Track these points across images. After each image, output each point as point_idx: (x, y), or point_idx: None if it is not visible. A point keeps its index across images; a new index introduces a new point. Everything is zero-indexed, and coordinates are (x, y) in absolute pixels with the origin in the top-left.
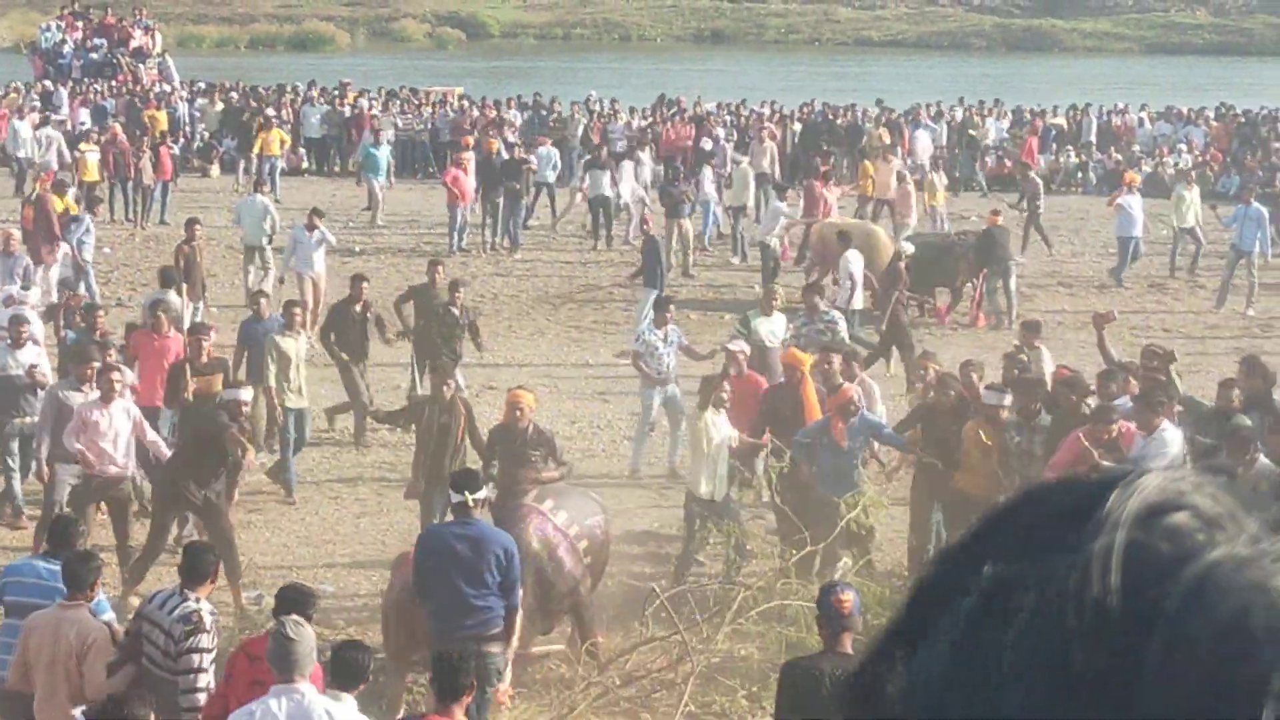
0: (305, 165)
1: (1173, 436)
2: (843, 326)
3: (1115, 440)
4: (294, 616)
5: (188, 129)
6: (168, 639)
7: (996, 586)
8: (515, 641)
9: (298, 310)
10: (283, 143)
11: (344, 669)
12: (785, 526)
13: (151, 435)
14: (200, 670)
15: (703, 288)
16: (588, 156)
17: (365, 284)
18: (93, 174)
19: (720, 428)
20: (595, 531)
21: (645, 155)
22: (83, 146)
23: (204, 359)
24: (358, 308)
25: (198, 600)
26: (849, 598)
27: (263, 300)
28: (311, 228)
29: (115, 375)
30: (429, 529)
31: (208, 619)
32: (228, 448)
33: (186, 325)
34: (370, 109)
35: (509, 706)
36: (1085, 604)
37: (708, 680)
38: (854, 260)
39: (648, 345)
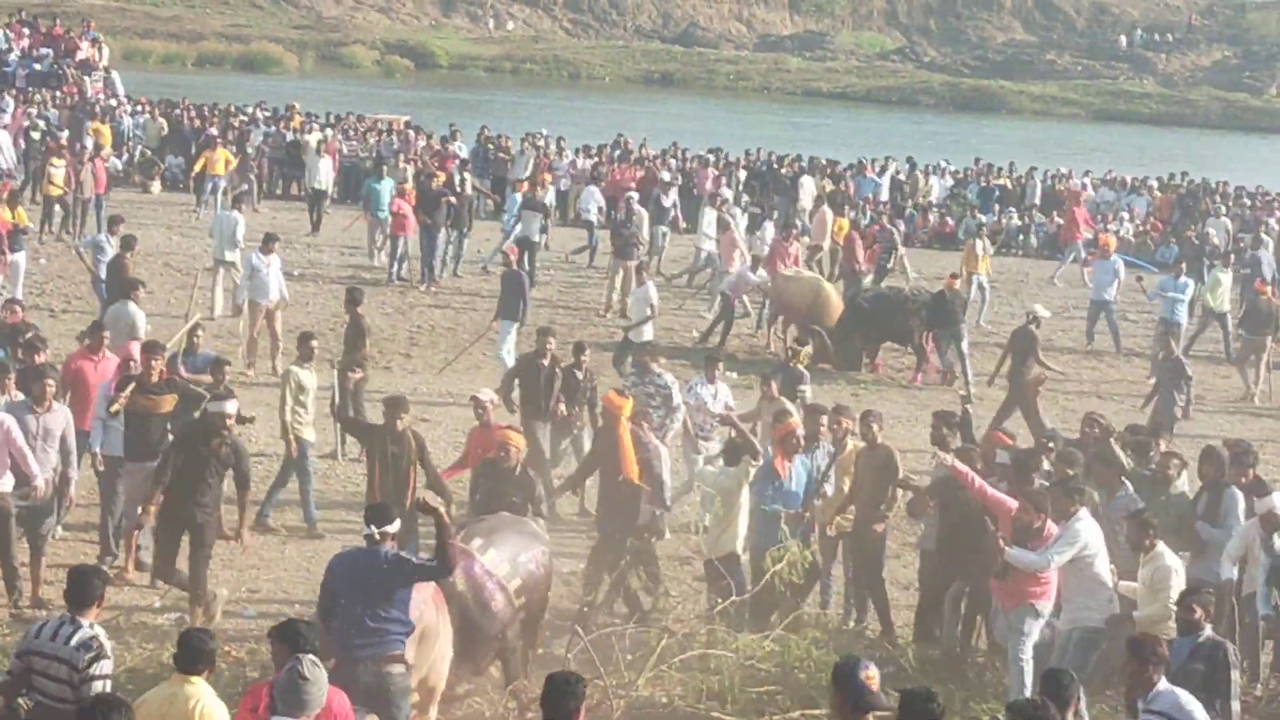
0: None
1: (1085, 528)
2: (676, 392)
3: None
4: (311, 656)
5: (130, 144)
6: (70, 669)
7: None
8: (432, 674)
9: (315, 342)
10: (228, 163)
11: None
12: (712, 573)
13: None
14: None
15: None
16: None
17: (552, 339)
18: (59, 188)
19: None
20: (530, 567)
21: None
22: (55, 161)
23: (154, 378)
24: (545, 361)
25: (91, 625)
26: (874, 674)
27: (198, 334)
28: (267, 253)
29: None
30: (337, 555)
31: (106, 644)
32: (230, 464)
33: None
34: (331, 138)
35: None
36: None
37: None
38: (652, 292)
39: (698, 399)
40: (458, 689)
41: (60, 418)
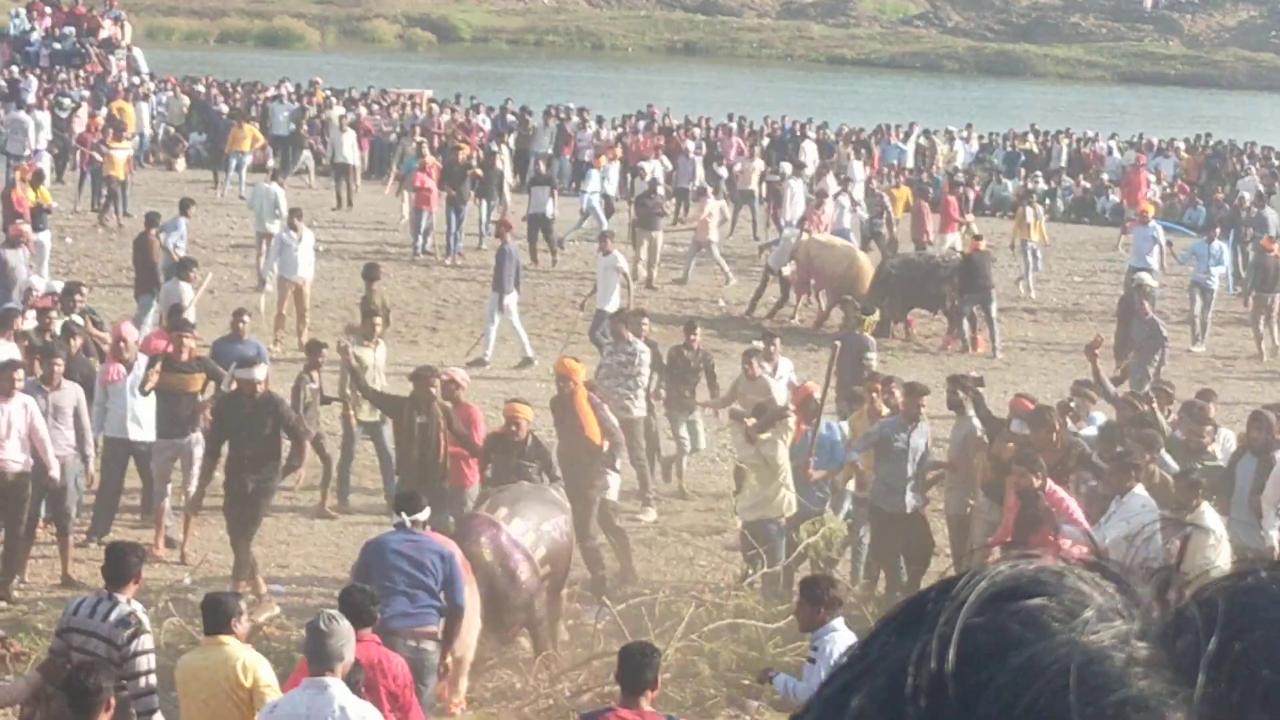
0: (272, 163)
1: (1140, 502)
2: (647, 357)
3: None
4: (330, 610)
5: (155, 122)
6: (109, 646)
7: (862, 662)
8: (459, 644)
9: (377, 320)
10: (254, 140)
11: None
12: (745, 541)
13: (42, 432)
14: (149, 672)
15: (666, 300)
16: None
17: (697, 330)
18: (120, 171)
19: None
20: (554, 536)
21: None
22: (112, 144)
23: (185, 357)
24: (688, 353)
25: (129, 602)
26: None
27: (245, 320)
28: (294, 229)
29: (15, 372)
30: (372, 539)
31: (145, 620)
32: (295, 434)
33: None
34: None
35: (458, 717)
36: (922, 680)
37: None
38: (620, 261)
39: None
40: (487, 661)
41: (71, 396)
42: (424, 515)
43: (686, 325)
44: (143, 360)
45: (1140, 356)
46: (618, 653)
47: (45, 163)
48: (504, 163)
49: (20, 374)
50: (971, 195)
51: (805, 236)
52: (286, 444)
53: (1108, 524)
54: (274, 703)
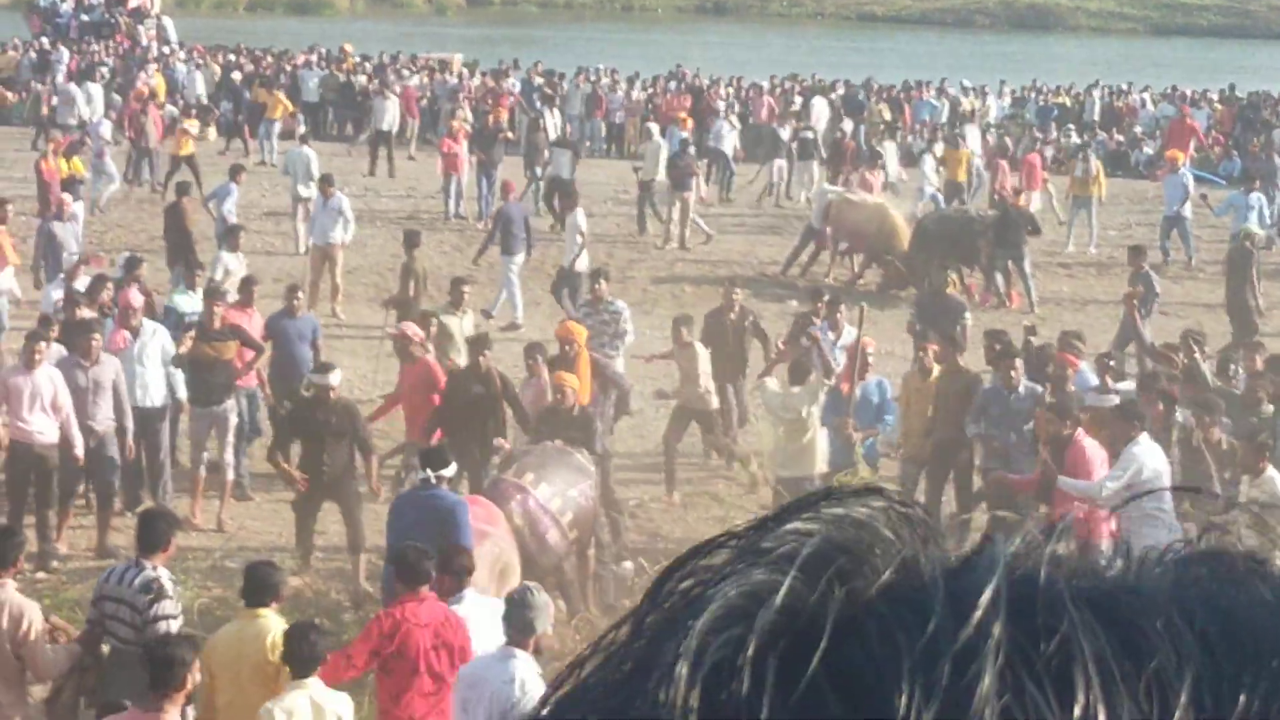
0: (302, 130)
1: (1142, 453)
2: (628, 314)
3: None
4: (531, 584)
5: (184, 90)
6: (133, 612)
7: None
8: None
9: (466, 288)
10: (283, 108)
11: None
12: (778, 496)
13: (67, 406)
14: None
15: (697, 262)
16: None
17: (737, 291)
18: (189, 148)
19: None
20: (580, 501)
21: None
22: (186, 123)
23: (217, 325)
24: (733, 315)
25: (154, 568)
26: None
27: (298, 296)
28: (326, 196)
29: (39, 344)
30: (400, 495)
31: (168, 585)
32: (346, 431)
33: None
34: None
35: None
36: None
37: None
38: (581, 219)
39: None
40: None
41: (110, 370)
42: (449, 471)
43: (725, 287)
44: (149, 327)
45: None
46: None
47: (106, 130)
48: (552, 128)
49: (43, 346)
50: (1050, 152)
51: (835, 195)
52: None
53: (1108, 475)
54: (470, 663)
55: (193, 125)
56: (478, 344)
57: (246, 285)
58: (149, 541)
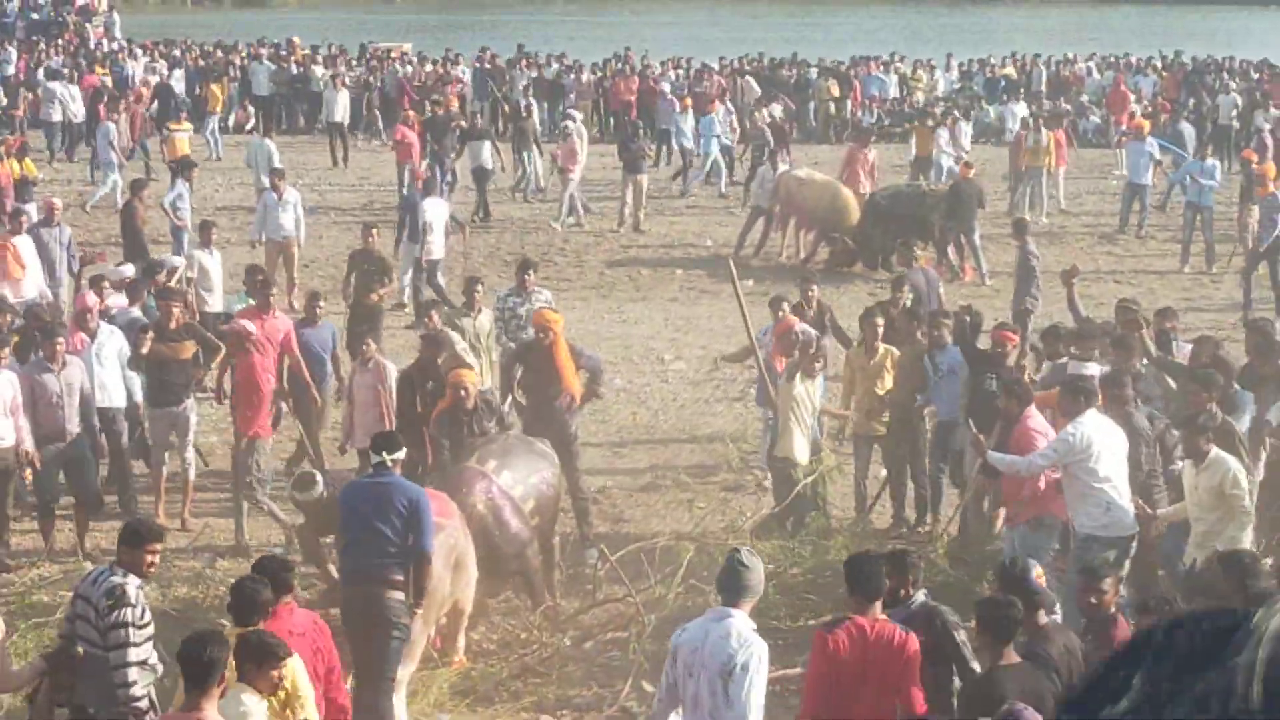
0: (252, 124)
1: (1083, 431)
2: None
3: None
4: (749, 546)
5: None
6: (97, 615)
7: (1153, 696)
8: (462, 599)
9: (479, 289)
10: (220, 103)
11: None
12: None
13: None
14: (128, 645)
15: (651, 245)
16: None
17: (814, 288)
18: (184, 148)
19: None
20: (542, 489)
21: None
22: (172, 125)
23: (173, 325)
24: (811, 313)
25: (124, 575)
26: (1044, 573)
27: (320, 304)
28: (279, 191)
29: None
30: (351, 482)
31: (133, 593)
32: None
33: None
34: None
35: (455, 668)
36: (1232, 711)
37: (661, 637)
38: (429, 209)
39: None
40: (489, 614)
41: (77, 371)
42: (401, 454)
43: (800, 284)
44: (105, 329)
45: (1021, 286)
46: (846, 563)
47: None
48: (535, 114)
49: (4, 352)
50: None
51: (783, 173)
52: None
53: (1042, 450)
54: (684, 626)
55: (184, 128)
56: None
57: (264, 289)
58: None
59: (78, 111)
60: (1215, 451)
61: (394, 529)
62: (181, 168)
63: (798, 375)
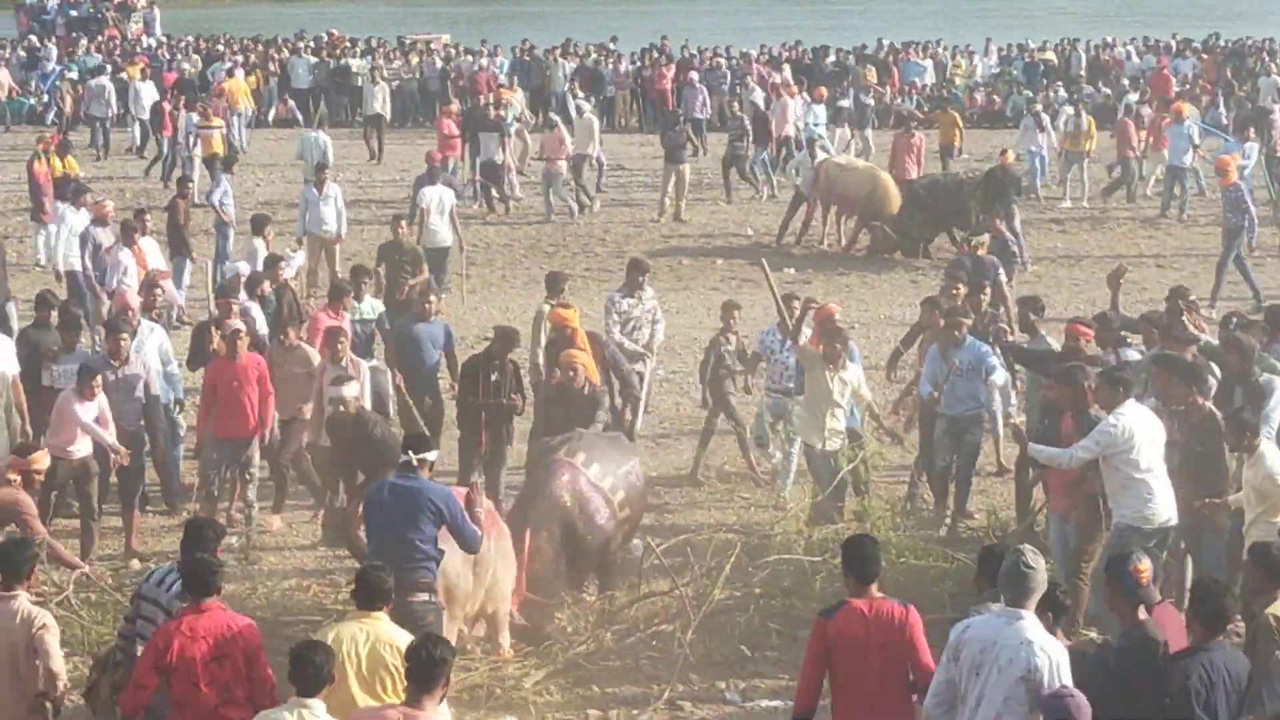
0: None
1: (1123, 423)
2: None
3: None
4: (1031, 547)
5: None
6: (166, 616)
7: None
8: (493, 598)
9: (564, 284)
10: (246, 94)
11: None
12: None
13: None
14: None
15: (692, 235)
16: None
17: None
18: (218, 145)
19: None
20: (631, 479)
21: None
22: (201, 123)
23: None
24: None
25: None
26: (1146, 567)
27: (431, 299)
28: (320, 185)
29: (96, 379)
30: (378, 484)
31: None
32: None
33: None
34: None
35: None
36: None
37: (706, 631)
38: (428, 195)
39: (766, 349)
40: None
41: (139, 371)
42: (431, 455)
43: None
44: (146, 327)
45: None
46: (843, 546)
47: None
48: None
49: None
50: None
51: (823, 160)
52: None
53: (1081, 443)
54: (966, 622)
55: (216, 124)
56: (508, 338)
57: (338, 290)
58: (194, 547)
59: (146, 106)
60: (1263, 444)
61: (422, 535)
62: (225, 163)
63: (821, 363)
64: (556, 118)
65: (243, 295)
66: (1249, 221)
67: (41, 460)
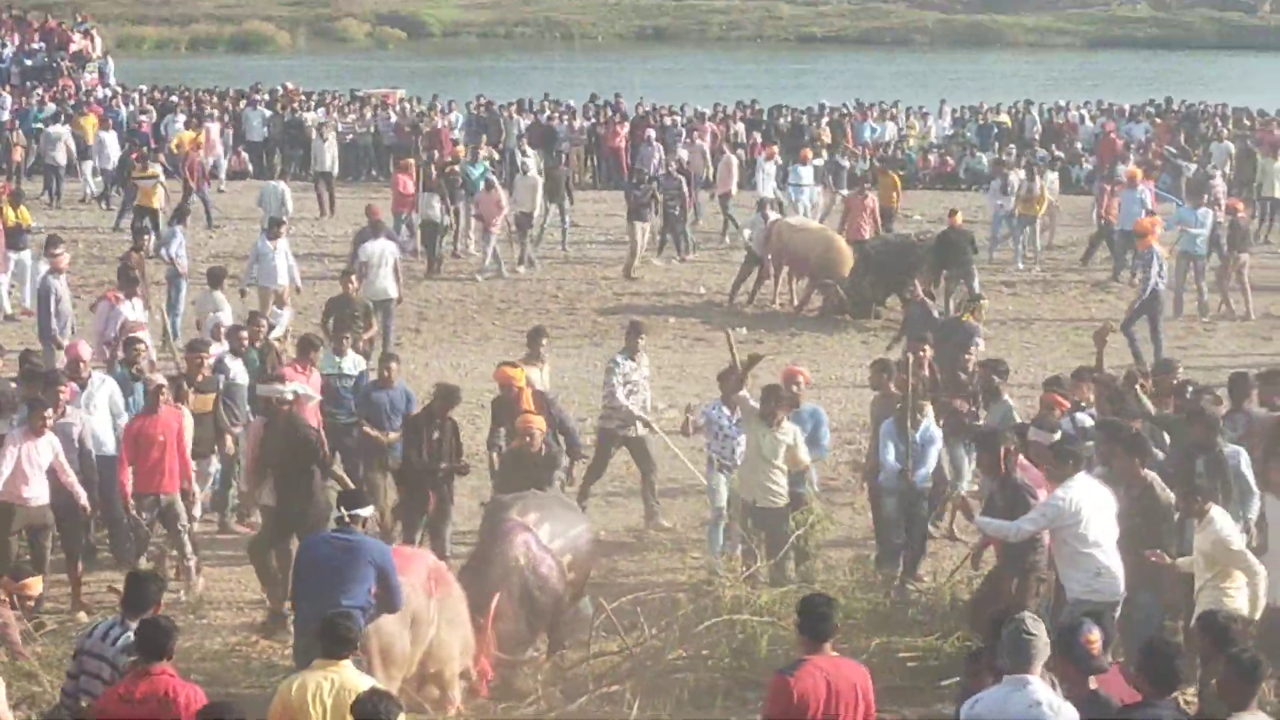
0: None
1: (1070, 496)
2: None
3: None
4: (1031, 615)
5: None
6: (114, 672)
7: None
8: (440, 655)
9: (544, 340)
10: (196, 144)
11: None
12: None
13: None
14: None
15: (648, 293)
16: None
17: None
18: (154, 197)
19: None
20: (579, 543)
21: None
22: (137, 173)
23: (201, 376)
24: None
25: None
26: (1096, 637)
27: (392, 365)
28: (273, 238)
29: (46, 411)
30: (308, 538)
31: None
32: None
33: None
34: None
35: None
36: None
37: (654, 692)
38: (368, 249)
39: (713, 425)
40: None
41: (74, 420)
42: (364, 512)
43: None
44: (96, 378)
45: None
46: (799, 604)
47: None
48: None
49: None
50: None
51: (776, 221)
52: None
53: (1026, 515)
54: (975, 698)
55: (151, 174)
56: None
57: (305, 345)
58: (136, 601)
59: (111, 157)
60: (1214, 510)
61: (352, 593)
62: (179, 215)
63: (757, 420)
64: (493, 177)
65: (220, 347)
66: (1146, 286)
67: (35, 587)
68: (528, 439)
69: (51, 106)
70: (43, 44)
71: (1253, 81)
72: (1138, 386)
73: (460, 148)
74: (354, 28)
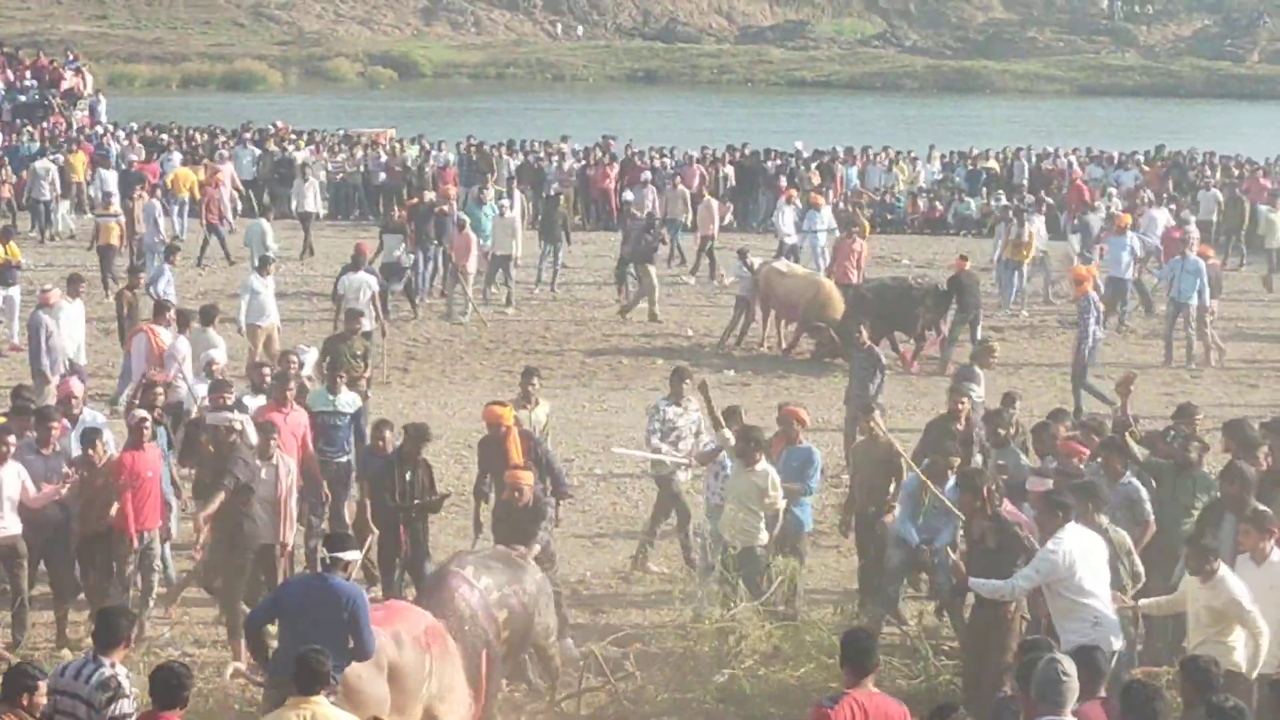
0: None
1: (1064, 549)
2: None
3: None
4: (1062, 655)
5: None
6: (89, 709)
7: None
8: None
9: (536, 380)
10: (190, 184)
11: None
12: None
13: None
14: None
15: (635, 335)
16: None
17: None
18: (113, 237)
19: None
20: (511, 601)
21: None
22: (100, 211)
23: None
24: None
25: (112, 666)
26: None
27: (385, 434)
28: (265, 275)
29: (8, 437)
30: (288, 580)
31: (126, 683)
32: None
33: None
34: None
35: None
36: None
37: None
38: (347, 283)
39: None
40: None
41: (62, 459)
42: (347, 556)
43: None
44: (88, 414)
45: (856, 383)
46: (842, 638)
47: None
48: (567, 204)
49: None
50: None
51: (762, 265)
52: None
53: (1021, 572)
54: None
55: (113, 212)
56: (419, 435)
57: (281, 381)
58: (107, 638)
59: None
60: (1223, 569)
61: (330, 637)
62: (167, 252)
63: (736, 460)
64: (465, 218)
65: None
66: (1087, 333)
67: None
68: (516, 494)
69: (36, 144)
70: (34, 81)
71: (1241, 129)
72: (1127, 434)
73: (452, 188)
74: (345, 67)
